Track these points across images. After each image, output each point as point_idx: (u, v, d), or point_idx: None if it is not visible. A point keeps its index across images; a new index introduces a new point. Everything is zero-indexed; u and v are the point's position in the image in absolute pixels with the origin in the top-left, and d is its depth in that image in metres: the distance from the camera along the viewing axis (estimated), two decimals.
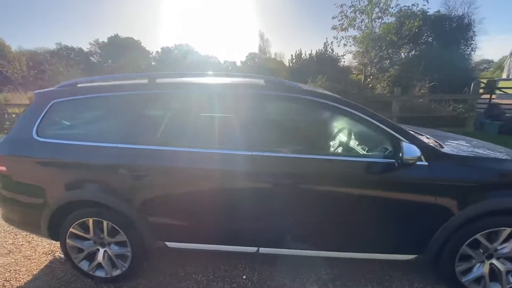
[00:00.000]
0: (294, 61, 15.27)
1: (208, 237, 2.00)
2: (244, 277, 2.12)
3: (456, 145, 2.22)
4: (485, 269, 1.83)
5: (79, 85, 2.16)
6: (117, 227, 1.98)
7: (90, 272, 2.12)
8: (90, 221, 2.00)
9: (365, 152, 1.95)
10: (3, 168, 2.04)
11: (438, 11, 11.26)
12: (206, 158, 1.87)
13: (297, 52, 15.14)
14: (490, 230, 1.75)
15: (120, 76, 2.38)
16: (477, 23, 11.30)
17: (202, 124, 2.16)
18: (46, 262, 2.41)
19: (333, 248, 1.95)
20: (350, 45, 10.66)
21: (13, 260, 2.43)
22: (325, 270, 2.15)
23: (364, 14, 9.57)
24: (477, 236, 1.76)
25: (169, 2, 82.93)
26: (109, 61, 32.30)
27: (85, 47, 36.94)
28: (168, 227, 1.99)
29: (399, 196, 1.80)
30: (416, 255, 1.87)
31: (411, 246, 1.88)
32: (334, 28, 10.11)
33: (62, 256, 2.34)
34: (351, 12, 9.60)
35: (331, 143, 2.45)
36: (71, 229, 2.03)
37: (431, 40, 12.03)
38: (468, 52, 12.11)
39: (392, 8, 9.33)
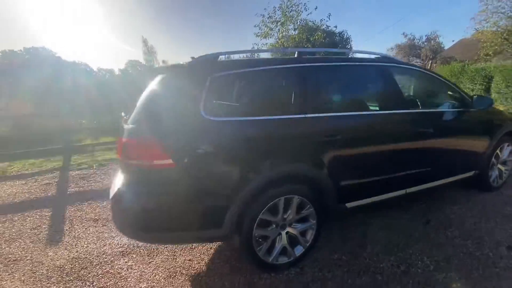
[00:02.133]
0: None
1: (380, 188, 2.25)
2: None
3: None
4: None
5: (220, 59, 1.89)
6: (306, 200, 1.91)
7: (274, 262, 1.89)
8: (282, 200, 1.83)
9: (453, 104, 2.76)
10: (170, 162, 1.53)
11: (328, 27, 14.42)
12: (376, 118, 2.16)
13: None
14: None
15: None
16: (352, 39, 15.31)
17: (360, 90, 2.39)
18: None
19: (437, 178, 2.64)
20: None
21: None
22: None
23: (279, 24, 11.19)
24: None
25: None
26: None
27: None
28: (352, 186, 2.09)
29: (468, 128, 2.73)
30: (474, 171, 2.87)
31: (473, 165, 2.85)
32: (257, 35, 11.23)
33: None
34: (271, 23, 11.00)
35: (432, 101, 3.08)
36: (261, 216, 1.78)
37: None
38: None
39: (300, 22, 11.39)
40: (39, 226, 2.77)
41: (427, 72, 2.65)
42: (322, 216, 2.01)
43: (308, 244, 2.00)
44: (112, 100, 10.44)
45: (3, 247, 2.43)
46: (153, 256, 2.20)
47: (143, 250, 2.28)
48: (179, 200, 1.60)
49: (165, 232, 1.63)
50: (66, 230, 2.67)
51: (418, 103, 2.74)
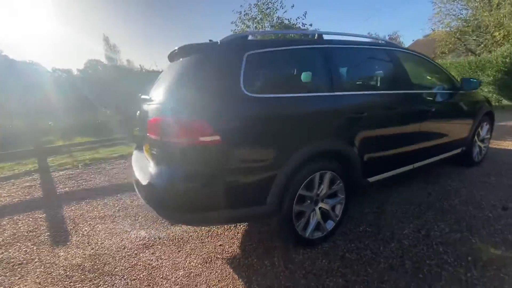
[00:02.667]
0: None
1: (395, 163, 2.41)
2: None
3: None
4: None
5: (249, 38, 1.89)
6: (337, 176, 1.99)
7: (310, 237, 1.94)
8: (317, 176, 1.88)
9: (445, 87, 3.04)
10: (217, 138, 1.49)
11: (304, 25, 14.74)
12: (393, 98, 2.33)
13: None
14: None
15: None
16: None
17: (380, 72, 2.54)
18: None
19: (437, 154, 2.90)
20: None
21: None
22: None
23: (255, 22, 11.27)
24: None
25: None
26: None
27: None
28: (374, 161, 2.21)
29: (460, 108, 3.05)
30: (462, 148, 3.19)
31: (461, 142, 3.16)
32: (234, 32, 11.17)
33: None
34: (247, 20, 11.02)
35: (431, 82, 3.32)
36: (300, 191, 1.81)
37: None
38: None
39: (277, 20, 11.57)
40: (36, 228, 2.50)
41: (424, 57, 2.90)
42: (349, 191, 2.11)
43: (338, 219, 2.08)
44: (73, 101, 9.70)
45: (0, 252, 2.16)
46: (180, 245, 2.12)
47: (166, 241, 2.18)
48: (226, 177, 1.57)
49: (212, 211, 1.59)
50: (71, 229, 2.45)
51: (422, 84, 2.99)
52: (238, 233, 2.25)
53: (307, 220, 1.95)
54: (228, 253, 1.99)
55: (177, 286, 1.69)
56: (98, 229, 2.43)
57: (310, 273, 1.74)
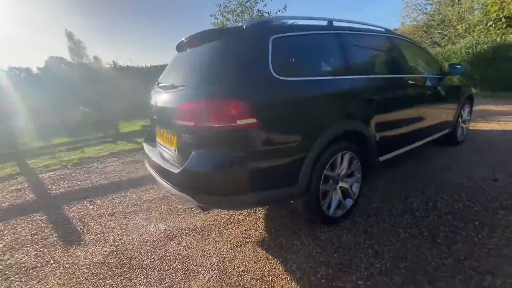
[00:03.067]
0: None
1: (402, 143, 2.59)
2: None
3: None
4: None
5: (274, 23, 1.90)
6: (355, 156, 2.09)
7: (333, 215, 2.03)
8: (339, 156, 1.96)
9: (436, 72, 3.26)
10: (254, 121, 1.50)
11: None
12: (401, 81, 2.52)
13: None
14: None
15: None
16: None
17: (389, 57, 2.66)
18: None
19: (432, 134, 3.13)
20: None
21: None
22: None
23: (235, 14, 11.16)
24: None
25: None
26: None
27: None
28: (385, 141, 2.34)
29: (449, 91, 3.30)
30: (449, 129, 3.47)
31: (449, 123, 3.43)
32: (214, 25, 10.98)
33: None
34: (227, 13, 10.87)
35: (425, 68, 3.45)
36: (325, 172, 1.88)
37: None
38: None
39: (257, 12, 11.53)
40: (39, 231, 2.34)
41: (417, 44, 3.11)
42: (365, 170, 2.23)
43: (355, 197, 2.20)
44: (36, 101, 9.02)
45: (7, 257, 2.00)
46: (205, 234, 2.11)
47: (189, 231, 2.16)
48: (262, 160, 1.59)
49: (249, 194, 1.60)
50: (81, 229, 2.32)
51: (420, 70, 3.18)
52: (259, 218, 2.28)
53: (330, 199, 2.04)
54: (255, 237, 2.02)
55: (214, 272, 1.70)
56: (112, 226, 2.33)
57: (340, 248, 1.83)
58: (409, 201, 2.37)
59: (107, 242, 2.10)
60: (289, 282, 1.56)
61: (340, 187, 2.09)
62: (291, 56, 1.81)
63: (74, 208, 2.73)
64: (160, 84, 2.10)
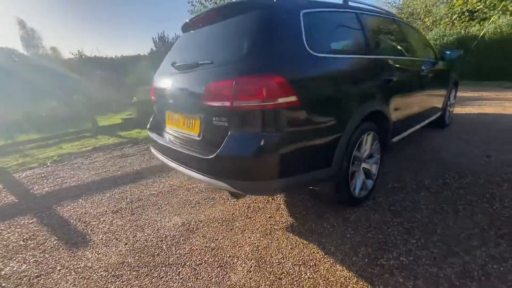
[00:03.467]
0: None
1: (410, 124, 2.63)
2: None
3: None
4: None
5: None
6: (377, 136, 2.09)
7: (358, 196, 2.02)
8: (365, 137, 1.94)
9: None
10: (294, 99, 1.40)
11: None
12: (413, 63, 2.62)
13: None
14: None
15: None
16: None
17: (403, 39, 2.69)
18: None
19: (430, 116, 3.27)
20: None
21: None
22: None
23: (212, 2, 10.77)
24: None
25: None
26: None
27: None
28: (398, 122, 2.37)
29: (443, 76, 3.46)
30: (440, 112, 3.66)
31: (441, 107, 3.61)
32: (191, 12, 10.51)
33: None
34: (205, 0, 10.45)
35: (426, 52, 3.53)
36: (354, 152, 1.85)
37: None
38: None
39: None
40: (33, 235, 2.05)
41: (416, 29, 3.21)
42: (384, 151, 2.25)
43: (375, 177, 2.22)
44: None
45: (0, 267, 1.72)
46: (228, 224, 1.99)
47: (210, 222, 2.03)
48: (303, 141, 1.50)
49: (289, 177, 1.51)
50: (83, 229, 2.08)
51: (423, 54, 3.26)
52: (279, 204, 2.21)
53: (356, 180, 2.03)
54: (283, 223, 1.96)
55: (252, 261, 1.60)
56: (120, 224, 2.11)
57: (371, 227, 1.83)
58: (419, 179, 2.46)
59: (119, 241, 1.90)
60: (333, 265, 1.53)
61: (363, 168, 2.10)
62: (322, 31, 1.73)
63: (68, 207, 2.44)
64: (176, 64, 1.90)
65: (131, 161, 3.63)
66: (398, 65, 2.39)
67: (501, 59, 8.90)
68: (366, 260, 1.55)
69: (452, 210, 1.96)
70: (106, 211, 2.33)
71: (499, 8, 9.00)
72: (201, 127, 1.68)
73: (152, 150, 2.28)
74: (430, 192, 2.23)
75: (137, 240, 1.89)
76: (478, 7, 9.77)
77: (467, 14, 10.50)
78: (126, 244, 1.87)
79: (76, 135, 5.23)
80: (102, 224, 2.14)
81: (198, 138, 1.72)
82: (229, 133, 1.47)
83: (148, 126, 2.38)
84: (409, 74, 2.57)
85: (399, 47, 2.60)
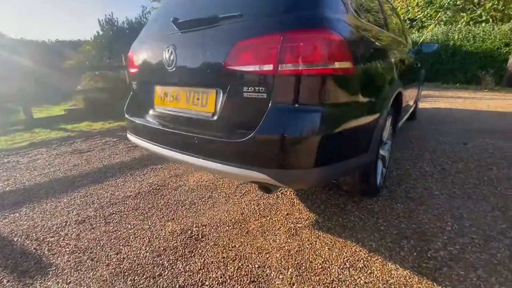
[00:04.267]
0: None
1: (405, 111, 2.60)
2: None
3: None
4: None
5: None
6: (391, 121, 1.96)
7: (379, 184, 1.86)
8: (388, 120, 1.78)
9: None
10: (350, 66, 1.12)
11: None
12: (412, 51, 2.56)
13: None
14: None
15: None
16: None
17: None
18: None
19: (411, 107, 3.35)
20: None
21: None
22: None
23: None
24: None
25: None
26: None
27: None
28: (402, 108, 2.27)
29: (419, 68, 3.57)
30: (415, 104, 3.83)
31: (415, 98, 3.77)
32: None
33: None
34: None
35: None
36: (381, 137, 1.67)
37: None
38: None
39: None
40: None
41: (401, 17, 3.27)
42: (394, 136, 2.16)
43: (387, 164, 2.11)
44: None
45: None
46: (241, 226, 1.63)
47: (217, 226, 1.64)
48: (353, 119, 1.24)
49: (336, 163, 1.23)
50: (35, 249, 1.47)
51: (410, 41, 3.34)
52: (292, 199, 1.94)
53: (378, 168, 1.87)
54: (305, 221, 1.68)
55: (290, 270, 1.29)
56: (91, 238, 1.56)
57: (400, 217, 1.69)
58: (420, 166, 2.46)
59: (98, 262, 1.38)
60: (385, 264, 1.32)
61: (380, 154, 1.96)
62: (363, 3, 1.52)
63: (6, 220, 1.75)
64: (180, 21, 1.42)
65: (87, 157, 2.92)
66: (405, 48, 2.34)
67: (437, 63, 10.19)
68: (414, 254, 1.38)
69: (465, 194, 1.95)
70: (67, 221, 1.73)
71: (435, 18, 10.27)
72: (218, 103, 1.29)
73: (132, 138, 1.77)
74: (435, 178, 2.22)
75: (124, 258, 1.40)
76: (418, 16, 11.01)
77: (408, 22, 11.76)
78: (108, 265, 1.36)
79: (2, 129, 4.10)
80: (64, 240, 1.56)
81: (213, 118, 1.32)
82: (269, 108, 1.13)
83: (125, 108, 1.85)
84: (408, 58, 2.56)
85: (397, 30, 2.58)
